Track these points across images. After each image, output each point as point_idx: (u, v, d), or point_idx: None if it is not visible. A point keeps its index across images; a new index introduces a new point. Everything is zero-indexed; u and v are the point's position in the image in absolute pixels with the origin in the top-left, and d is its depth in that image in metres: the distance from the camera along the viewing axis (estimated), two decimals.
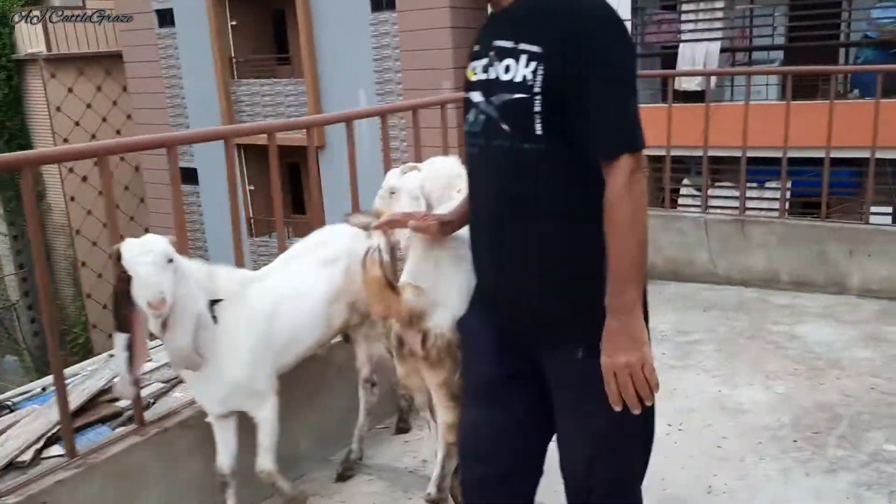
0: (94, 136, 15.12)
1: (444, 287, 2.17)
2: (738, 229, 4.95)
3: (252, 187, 13.12)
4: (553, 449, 1.96)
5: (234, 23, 13.10)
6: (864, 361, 3.88)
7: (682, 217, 5.12)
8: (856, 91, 8.91)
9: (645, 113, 1.69)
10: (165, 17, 13.65)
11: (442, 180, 2.60)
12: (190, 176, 13.24)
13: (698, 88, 8.66)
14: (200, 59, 13.19)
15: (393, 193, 2.73)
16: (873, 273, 4.65)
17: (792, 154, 4.97)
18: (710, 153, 9.64)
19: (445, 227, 2.12)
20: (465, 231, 2.02)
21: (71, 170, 15.12)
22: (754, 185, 10.58)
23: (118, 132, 15.67)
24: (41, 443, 2.84)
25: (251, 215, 13.25)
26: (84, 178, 15.26)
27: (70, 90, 15.43)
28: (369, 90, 11.89)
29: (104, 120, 15.84)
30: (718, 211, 5.77)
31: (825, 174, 4.91)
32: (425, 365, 2.25)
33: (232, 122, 12.54)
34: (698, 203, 10.56)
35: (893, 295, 4.62)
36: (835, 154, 4.77)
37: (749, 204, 10.33)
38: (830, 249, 4.74)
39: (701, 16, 9.72)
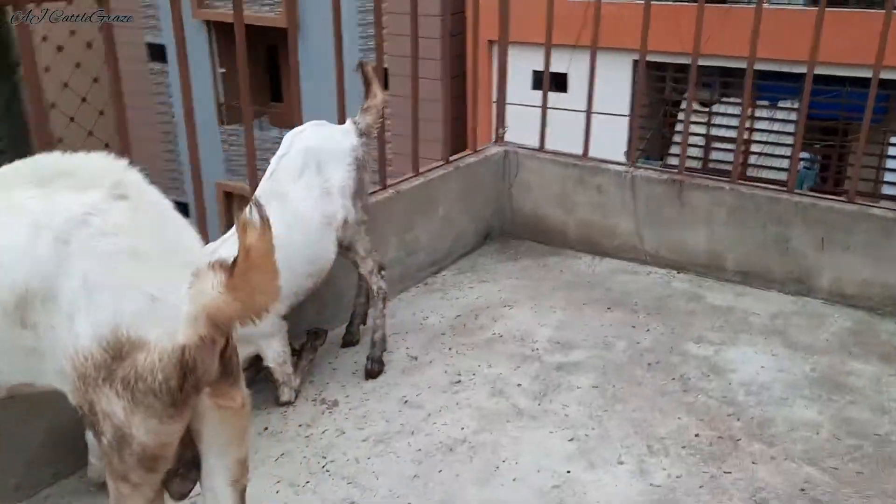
0: (78, 65, 13.66)
1: None
2: (673, 193, 3.58)
3: (223, 70, 11.86)
4: None
5: None
6: (805, 429, 2.60)
7: (602, 170, 3.73)
8: None
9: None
10: None
11: None
12: (158, 53, 12.13)
13: None
14: None
15: None
16: (850, 273, 3.29)
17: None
18: (719, 63, 8.23)
19: None
20: None
21: (45, 38, 13.80)
22: (765, 103, 9.03)
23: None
24: None
25: (222, 101, 11.99)
26: (60, 49, 13.89)
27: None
28: None
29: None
30: (650, 167, 4.34)
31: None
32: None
33: None
34: (703, 120, 9.14)
35: (873, 304, 3.28)
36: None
37: (757, 125, 8.96)
38: (795, 234, 3.36)
39: None
